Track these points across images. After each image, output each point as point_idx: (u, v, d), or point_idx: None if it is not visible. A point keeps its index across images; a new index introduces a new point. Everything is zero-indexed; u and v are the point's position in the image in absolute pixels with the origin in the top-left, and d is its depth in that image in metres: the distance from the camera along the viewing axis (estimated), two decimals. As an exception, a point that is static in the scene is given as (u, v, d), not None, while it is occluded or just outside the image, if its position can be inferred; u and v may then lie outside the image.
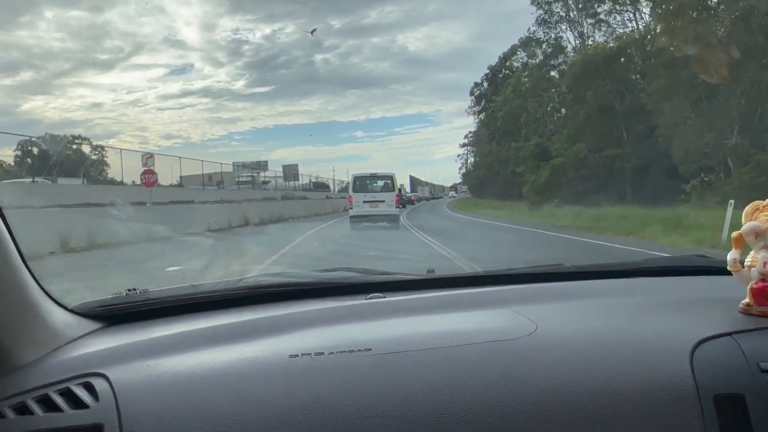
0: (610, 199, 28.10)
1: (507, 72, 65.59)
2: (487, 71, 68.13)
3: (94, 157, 19.11)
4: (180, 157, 28.55)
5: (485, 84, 69.39)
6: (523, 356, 1.00)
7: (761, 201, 1.10)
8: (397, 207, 20.84)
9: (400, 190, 24.17)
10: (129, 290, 1.39)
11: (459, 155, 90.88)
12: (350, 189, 21.03)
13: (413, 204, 56.42)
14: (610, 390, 0.92)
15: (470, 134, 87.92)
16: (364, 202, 20.16)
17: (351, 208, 20.40)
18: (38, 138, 23.75)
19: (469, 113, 76.96)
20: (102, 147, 19.71)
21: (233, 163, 38.12)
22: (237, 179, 32.92)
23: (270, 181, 35.71)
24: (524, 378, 0.94)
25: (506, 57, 57.30)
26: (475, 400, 0.90)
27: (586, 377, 0.94)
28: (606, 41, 35.98)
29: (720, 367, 0.95)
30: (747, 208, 1.10)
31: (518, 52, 51.23)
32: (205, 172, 29.09)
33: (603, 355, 1.00)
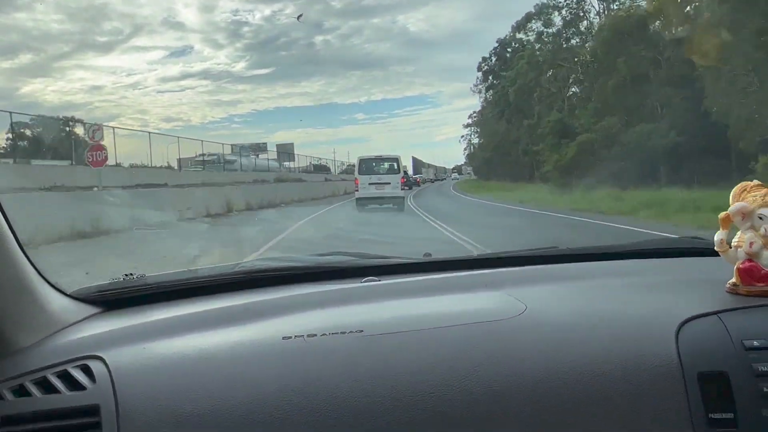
0: (645, 180, 24.47)
1: (517, 45, 62.07)
2: (496, 44, 64.82)
3: (88, 139, 16.35)
4: (178, 137, 25.94)
5: (493, 59, 66.04)
6: (512, 336, 1.01)
7: (749, 182, 1.12)
8: (402, 189, 21.13)
9: (405, 172, 24.99)
10: (126, 275, 1.39)
11: (463, 136, 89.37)
12: (356, 171, 21.30)
13: (419, 185, 54.35)
14: (596, 369, 0.93)
15: (474, 114, 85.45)
16: (370, 184, 20.41)
17: (357, 190, 20.77)
18: (31, 120, 22.85)
19: (474, 92, 74.19)
20: (96, 127, 16.81)
21: (232, 145, 34.83)
22: (200, 158, 27.41)
23: (235, 160, 30.36)
24: (512, 358, 0.96)
25: (519, 27, 53.10)
26: (464, 379, 0.92)
27: (573, 357, 0.95)
28: (635, 1, 32.10)
29: (705, 346, 0.96)
30: (735, 189, 1.11)
31: (533, 21, 46.91)
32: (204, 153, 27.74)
33: (590, 335, 1.00)
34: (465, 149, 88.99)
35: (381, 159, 21.52)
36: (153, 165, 24.54)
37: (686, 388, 0.93)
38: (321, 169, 45.92)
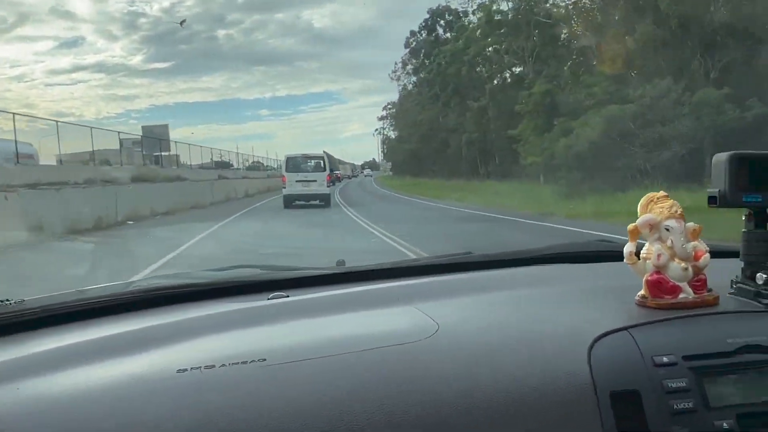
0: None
1: (452, 18, 52.65)
2: (427, 16, 55.12)
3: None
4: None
5: (423, 33, 56.40)
6: (425, 360, 0.98)
7: (655, 193, 1.12)
8: (328, 186, 22.29)
9: (332, 170, 27.43)
10: (0, 301, 1.28)
11: (377, 129, 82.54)
12: (283, 169, 22.31)
13: (340, 181, 48.33)
14: (509, 391, 0.92)
15: (390, 105, 77.08)
16: (297, 181, 21.34)
17: (284, 188, 21.63)
18: None
19: (392, 78, 65.47)
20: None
21: (120, 134, 24.77)
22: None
23: (32, 155, 19.08)
24: (424, 384, 0.93)
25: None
26: (373, 412, 0.88)
27: (487, 380, 0.94)
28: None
29: (616, 363, 0.95)
30: (642, 200, 1.11)
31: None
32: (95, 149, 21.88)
33: (503, 355, 0.99)
34: (384, 143, 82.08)
35: (308, 157, 22.61)
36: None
37: (599, 409, 0.91)
38: (223, 165, 38.85)
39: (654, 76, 19.30)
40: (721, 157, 1.06)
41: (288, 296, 1.31)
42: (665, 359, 0.94)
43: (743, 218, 1.10)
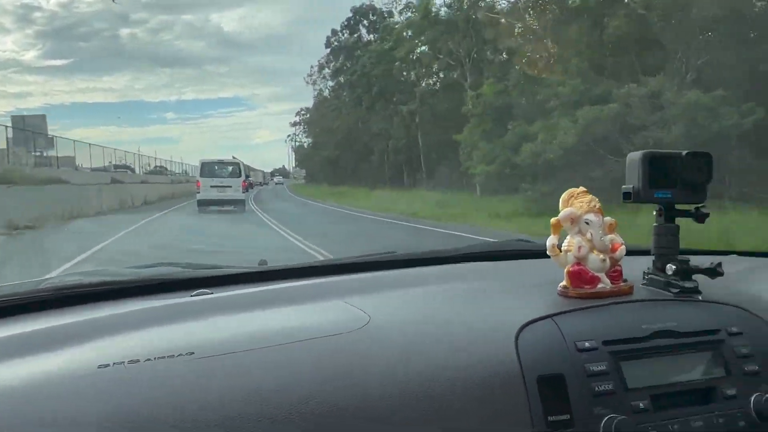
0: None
1: (376, 18, 49.52)
2: (350, 14, 51.65)
3: None
4: None
5: (345, 33, 52.90)
6: (356, 350, 0.98)
7: (576, 189, 1.16)
8: (244, 192, 22.41)
9: (248, 176, 27.46)
10: None
11: (289, 135, 79.02)
12: (198, 174, 22.21)
13: (252, 188, 43.92)
14: (439, 379, 0.93)
15: (304, 111, 73.62)
16: (212, 186, 21.18)
17: (198, 192, 21.53)
18: None
19: (308, 82, 62.07)
20: None
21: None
22: None
23: None
24: (356, 374, 0.94)
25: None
26: (304, 402, 0.88)
27: (419, 367, 0.95)
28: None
29: (542, 349, 0.99)
30: (563, 195, 1.15)
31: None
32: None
33: (433, 344, 1.01)
34: (297, 149, 78.77)
35: (223, 163, 22.82)
36: None
37: (527, 393, 0.94)
38: (122, 168, 35.11)
39: (628, 75, 16.95)
40: (635, 156, 1.13)
41: (212, 293, 1.27)
42: (587, 344, 0.99)
43: (654, 213, 1.18)
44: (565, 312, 1.05)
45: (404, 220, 17.61)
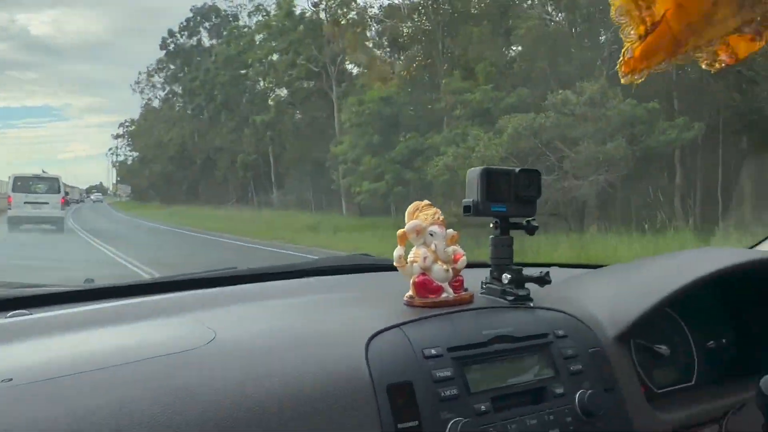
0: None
1: (221, 17, 44.75)
2: (190, 14, 46.04)
3: None
4: None
5: (183, 34, 47.23)
6: (202, 367, 0.95)
7: (420, 201, 1.19)
8: (62, 209, 21.13)
9: (67, 192, 25.69)
10: None
11: (110, 149, 73.96)
12: (9, 189, 20.39)
13: (69, 206, 36.53)
14: (289, 392, 0.92)
15: (128, 123, 66.19)
16: (26, 203, 19.80)
17: (10, 209, 20.07)
18: None
19: (135, 90, 55.54)
20: None
21: None
22: None
23: None
24: (203, 391, 0.90)
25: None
26: (145, 425, 0.83)
27: (269, 381, 0.94)
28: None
29: (391, 358, 1.00)
30: (409, 208, 1.18)
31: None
32: None
33: (282, 358, 0.99)
34: (118, 164, 70.81)
35: (40, 178, 21.11)
36: None
37: (377, 402, 0.94)
38: None
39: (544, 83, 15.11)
40: (474, 172, 1.17)
41: (31, 314, 1.20)
42: (433, 351, 1.01)
43: (490, 226, 1.23)
44: (412, 321, 1.07)
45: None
